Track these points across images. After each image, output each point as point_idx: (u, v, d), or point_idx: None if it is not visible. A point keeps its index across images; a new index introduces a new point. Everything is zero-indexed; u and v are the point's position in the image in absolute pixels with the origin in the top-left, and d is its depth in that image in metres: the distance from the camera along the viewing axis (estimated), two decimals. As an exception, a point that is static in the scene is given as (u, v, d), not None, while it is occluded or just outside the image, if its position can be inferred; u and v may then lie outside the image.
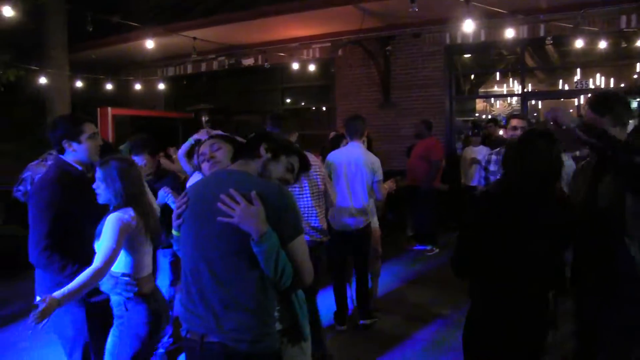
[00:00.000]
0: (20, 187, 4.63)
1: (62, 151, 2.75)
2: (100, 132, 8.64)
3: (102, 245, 2.44)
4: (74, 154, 2.75)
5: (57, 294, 2.24)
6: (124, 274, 2.53)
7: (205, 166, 2.64)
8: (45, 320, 2.15)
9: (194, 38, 8.38)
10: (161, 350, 4.16)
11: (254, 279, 1.92)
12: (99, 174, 2.57)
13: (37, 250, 2.55)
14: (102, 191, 2.57)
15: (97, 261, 2.40)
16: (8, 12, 6.45)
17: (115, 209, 2.54)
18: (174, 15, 9.74)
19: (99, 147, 2.83)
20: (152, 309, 2.60)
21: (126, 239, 2.50)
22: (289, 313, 2.18)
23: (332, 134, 6.43)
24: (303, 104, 11.53)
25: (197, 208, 2.06)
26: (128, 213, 2.52)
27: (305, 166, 2.21)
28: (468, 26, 6.25)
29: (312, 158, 3.52)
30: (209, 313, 1.94)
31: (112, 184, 2.52)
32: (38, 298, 2.22)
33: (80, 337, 2.72)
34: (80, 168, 2.77)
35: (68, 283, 2.37)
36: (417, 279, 6.20)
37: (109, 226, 2.46)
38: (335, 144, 5.17)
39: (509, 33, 7.09)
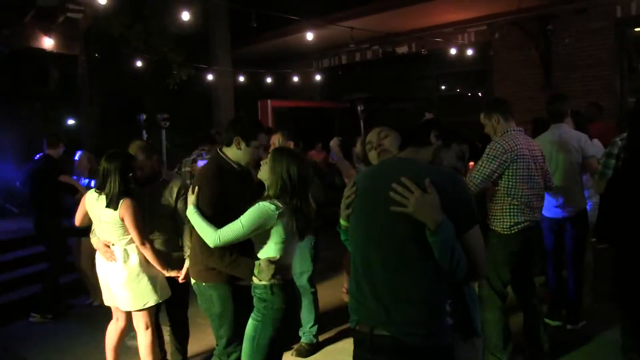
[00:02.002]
0: None
1: (229, 144, 3.38)
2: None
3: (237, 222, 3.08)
4: (237, 152, 3.37)
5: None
6: (275, 260, 3.12)
7: (372, 154, 3.14)
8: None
9: (351, 28, 10.22)
10: None
11: (427, 271, 2.19)
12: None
13: (200, 243, 3.21)
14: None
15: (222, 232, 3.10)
16: (186, 16, 9.45)
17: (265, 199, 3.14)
18: (328, 6, 11.97)
19: (259, 157, 3.45)
20: (294, 294, 3.20)
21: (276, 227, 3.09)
22: (461, 307, 2.40)
23: None
24: (459, 90, 13.43)
25: (367, 197, 2.38)
26: (275, 204, 3.08)
27: (476, 154, 2.68)
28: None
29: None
30: (379, 305, 2.24)
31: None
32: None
33: (226, 315, 3.38)
34: (235, 166, 3.39)
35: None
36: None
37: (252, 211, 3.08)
38: None
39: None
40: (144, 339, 4.12)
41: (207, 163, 3.47)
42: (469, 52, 11.14)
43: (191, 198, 3.28)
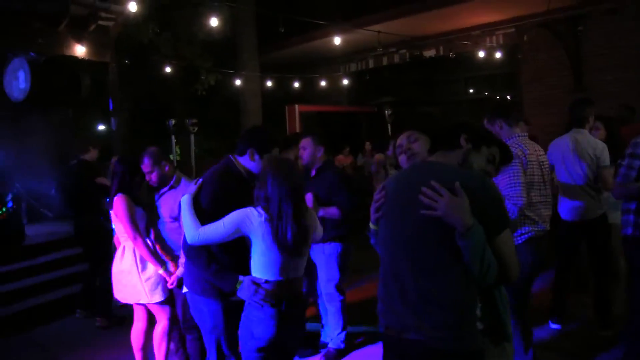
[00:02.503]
0: None
1: (242, 153, 3.38)
2: (289, 128, 11.79)
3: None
4: (249, 162, 3.37)
5: None
6: (259, 282, 3.04)
7: (402, 158, 3.13)
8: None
9: (379, 32, 10.37)
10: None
11: (457, 275, 2.19)
12: None
13: (189, 244, 3.16)
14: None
15: None
16: (214, 22, 9.62)
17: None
18: (355, 10, 12.18)
19: None
20: (279, 312, 3.03)
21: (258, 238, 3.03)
22: (491, 311, 2.37)
23: None
24: (487, 93, 13.41)
25: (397, 201, 2.41)
26: (259, 210, 3.06)
27: (506, 158, 2.54)
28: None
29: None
30: (408, 309, 2.25)
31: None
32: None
33: (217, 329, 3.34)
34: (245, 175, 3.39)
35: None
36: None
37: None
38: None
39: None
40: (155, 330, 4.32)
41: (218, 165, 3.46)
42: (497, 54, 11.15)
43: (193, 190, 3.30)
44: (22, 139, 6.86)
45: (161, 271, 4.07)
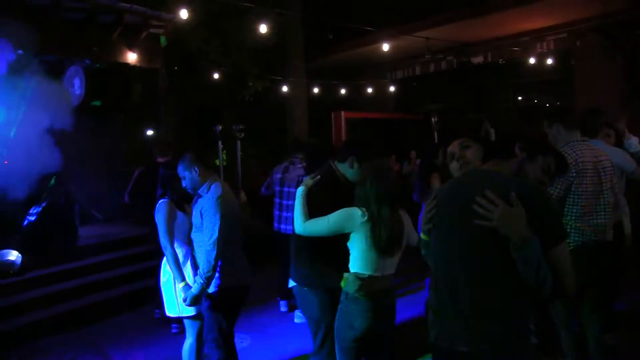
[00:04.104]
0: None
1: (343, 160, 3.62)
2: (334, 134, 11.85)
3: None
4: (348, 169, 3.61)
5: None
6: (362, 277, 3.25)
7: (453, 166, 3.18)
8: None
9: (427, 38, 10.44)
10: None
11: (511, 287, 2.18)
12: None
13: (297, 249, 3.56)
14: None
15: None
16: (263, 29, 9.78)
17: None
18: (403, 17, 12.10)
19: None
20: (371, 308, 3.24)
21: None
22: (546, 326, 2.44)
23: None
24: (536, 100, 13.27)
25: (449, 211, 2.40)
26: (363, 211, 3.26)
27: (562, 167, 2.50)
28: None
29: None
30: (460, 320, 2.25)
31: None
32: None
33: (323, 320, 3.56)
34: (344, 181, 3.66)
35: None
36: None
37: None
38: None
39: None
40: (184, 346, 4.34)
41: (323, 171, 3.70)
42: (548, 61, 11.02)
43: (309, 181, 3.55)
44: (75, 143, 7.18)
45: (180, 286, 4.05)
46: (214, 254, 3.79)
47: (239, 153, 10.49)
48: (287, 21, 12.70)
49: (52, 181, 7.80)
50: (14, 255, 6.87)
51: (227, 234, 3.91)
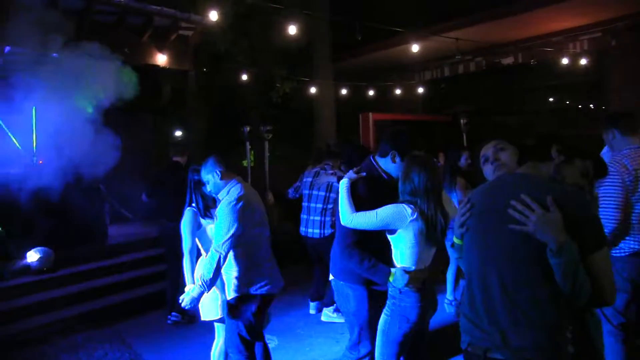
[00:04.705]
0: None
1: (384, 155, 3.60)
2: (362, 136, 11.85)
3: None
4: (390, 164, 3.58)
5: None
6: (409, 271, 3.25)
7: (487, 169, 3.10)
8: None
9: (457, 39, 10.26)
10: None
11: (547, 294, 2.13)
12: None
13: (342, 245, 3.50)
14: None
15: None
16: (292, 30, 9.79)
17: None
18: (431, 17, 12.05)
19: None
20: (422, 299, 3.26)
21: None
22: (583, 334, 2.32)
23: None
24: (568, 102, 13.08)
25: (484, 215, 2.36)
26: (412, 207, 3.23)
27: (600, 171, 2.46)
28: None
29: None
30: (495, 327, 2.21)
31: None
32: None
33: (360, 314, 3.60)
34: (385, 176, 3.61)
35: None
36: None
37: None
38: None
39: None
40: (212, 348, 4.41)
41: (366, 166, 3.68)
42: (582, 61, 10.84)
43: (353, 175, 3.54)
44: (103, 142, 7.32)
45: (187, 288, 3.99)
46: (216, 257, 3.72)
47: (266, 154, 10.60)
48: (315, 22, 12.78)
49: (84, 181, 7.96)
50: (47, 252, 7.04)
51: (247, 239, 3.86)
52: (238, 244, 3.83)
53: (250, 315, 3.95)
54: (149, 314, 6.78)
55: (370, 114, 12.75)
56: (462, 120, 12.12)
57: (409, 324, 3.24)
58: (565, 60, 10.87)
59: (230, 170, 4.08)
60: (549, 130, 12.18)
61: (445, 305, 6.41)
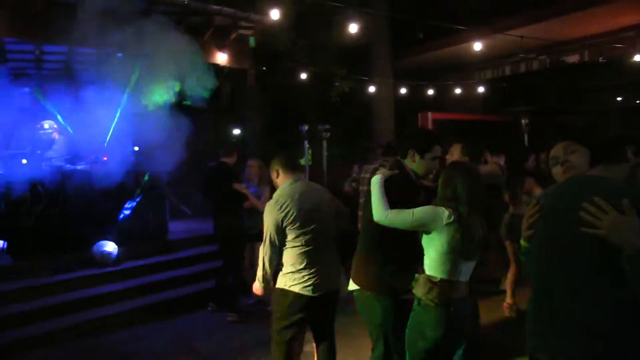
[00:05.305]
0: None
1: (404, 156, 3.59)
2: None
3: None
4: (412, 164, 3.57)
5: None
6: (434, 280, 3.13)
7: (556, 170, 2.96)
8: None
9: (521, 37, 10.02)
10: None
11: (620, 302, 2.03)
12: None
13: (366, 247, 3.52)
14: None
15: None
16: (353, 28, 9.77)
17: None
18: (492, 14, 11.87)
19: (433, 170, 3.66)
20: (445, 315, 3.08)
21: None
22: None
23: None
24: (638, 101, 12.61)
25: (553, 218, 2.27)
26: (449, 211, 3.12)
27: None
28: None
29: None
30: (562, 336, 2.14)
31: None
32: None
33: (385, 324, 3.49)
34: (412, 176, 3.58)
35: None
36: None
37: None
38: None
39: None
40: None
41: (397, 166, 3.65)
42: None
43: (386, 172, 3.50)
44: (165, 140, 7.51)
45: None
46: (261, 255, 3.84)
47: (324, 153, 10.65)
48: (375, 21, 12.72)
49: (146, 177, 8.19)
50: (111, 246, 7.28)
51: (298, 238, 3.83)
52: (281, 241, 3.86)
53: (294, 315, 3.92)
54: (204, 309, 6.87)
55: (430, 113, 12.68)
56: (523, 121, 11.87)
57: (425, 340, 3.12)
58: (638, 57, 10.32)
59: (291, 169, 4.07)
60: (618, 130, 11.77)
61: (505, 309, 6.29)
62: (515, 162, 6.38)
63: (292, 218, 3.79)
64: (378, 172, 3.54)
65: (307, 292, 3.84)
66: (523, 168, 6.24)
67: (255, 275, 4.04)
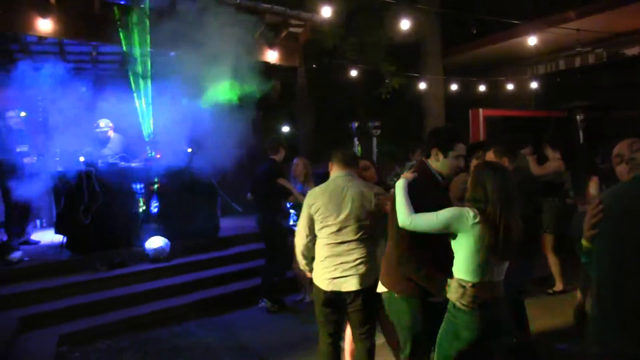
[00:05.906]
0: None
1: (428, 155, 3.53)
2: (472, 133, 11.53)
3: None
4: (436, 163, 3.48)
5: None
6: (465, 284, 3.07)
7: (621, 169, 2.90)
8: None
9: (577, 30, 9.79)
10: None
11: None
12: None
13: (397, 251, 3.38)
14: None
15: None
16: (405, 25, 9.64)
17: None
18: (546, 7, 11.54)
19: (459, 168, 3.58)
20: (479, 319, 3.04)
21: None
22: None
23: None
24: None
25: (620, 218, 2.23)
26: (475, 212, 3.07)
27: None
28: None
29: None
30: (630, 337, 2.11)
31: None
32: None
33: (415, 326, 3.43)
34: (437, 177, 3.50)
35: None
36: None
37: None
38: None
39: None
40: (346, 333, 4.48)
41: (420, 167, 3.58)
42: None
43: (408, 174, 3.42)
44: (217, 138, 7.62)
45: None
46: (294, 246, 4.17)
47: (374, 150, 10.61)
48: (425, 17, 12.56)
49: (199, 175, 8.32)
50: (164, 242, 7.43)
51: (322, 230, 4.02)
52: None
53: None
54: (254, 306, 6.95)
55: (481, 110, 12.39)
56: (578, 116, 11.55)
57: (458, 341, 3.08)
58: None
59: (343, 163, 4.16)
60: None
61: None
62: (579, 159, 6.14)
63: (318, 209, 3.99)
64: (402, 175, 3.46)
65: (324, 286, 3.97)
66: (594, 165, 5.99)
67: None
